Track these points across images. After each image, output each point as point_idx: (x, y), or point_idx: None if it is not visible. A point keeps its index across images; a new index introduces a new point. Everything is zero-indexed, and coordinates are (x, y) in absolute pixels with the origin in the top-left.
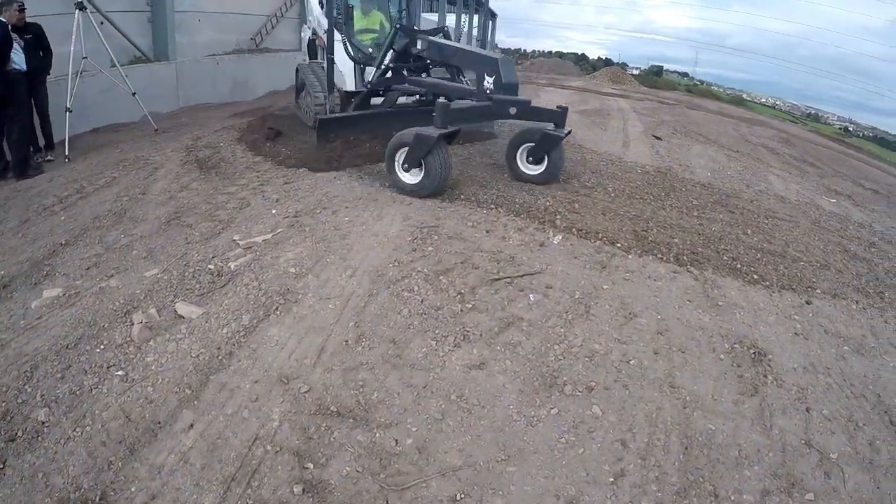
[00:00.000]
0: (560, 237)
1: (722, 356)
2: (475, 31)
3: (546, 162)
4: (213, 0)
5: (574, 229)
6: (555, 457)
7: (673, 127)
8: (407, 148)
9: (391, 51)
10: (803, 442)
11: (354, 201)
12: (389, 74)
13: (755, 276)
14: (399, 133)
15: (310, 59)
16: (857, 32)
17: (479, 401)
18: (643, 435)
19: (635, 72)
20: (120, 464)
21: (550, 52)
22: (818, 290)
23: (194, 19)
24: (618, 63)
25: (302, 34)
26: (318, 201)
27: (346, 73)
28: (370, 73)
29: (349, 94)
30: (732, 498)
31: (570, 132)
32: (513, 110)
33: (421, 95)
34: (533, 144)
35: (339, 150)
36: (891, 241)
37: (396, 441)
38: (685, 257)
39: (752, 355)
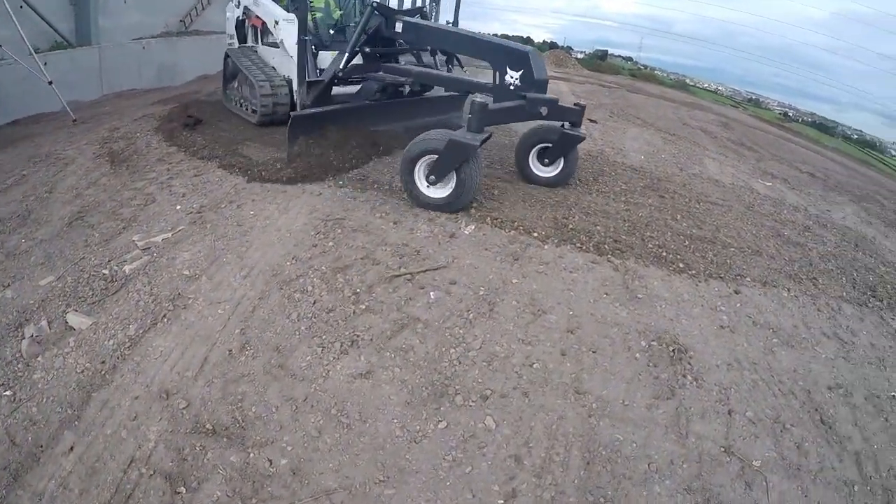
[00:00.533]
0: (472, 227)
1: (637, 355)
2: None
3: (562, 163)
4: None
5: (489, 218)
6: (439, 477)
7: (611, 110)
8: (436, 156)
9: (363, 34)
10: (723, 449)
11: (263, 193)
12: (359, 61)
13: (681, 265)
14: (421, 138)
15: (239, 42)
16: (802, 23)
17: (360, 415)
18: (540, 449)
19: (580, 56)
20: (4, 492)
21: (496, 35)
22: (748, 279)
23: (119, 1)
24: (563, 47)
25: (228, 13)
26: (225, 194)
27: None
28: (326, 58)
29: (309, 84)
30: None
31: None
32: (544, 110)
33: (398, 87)
34: (549, 145)
35: (304, 153)
36: (825, 225)
37: (270, 462)
38: (606, 246)
39: (672, 353)
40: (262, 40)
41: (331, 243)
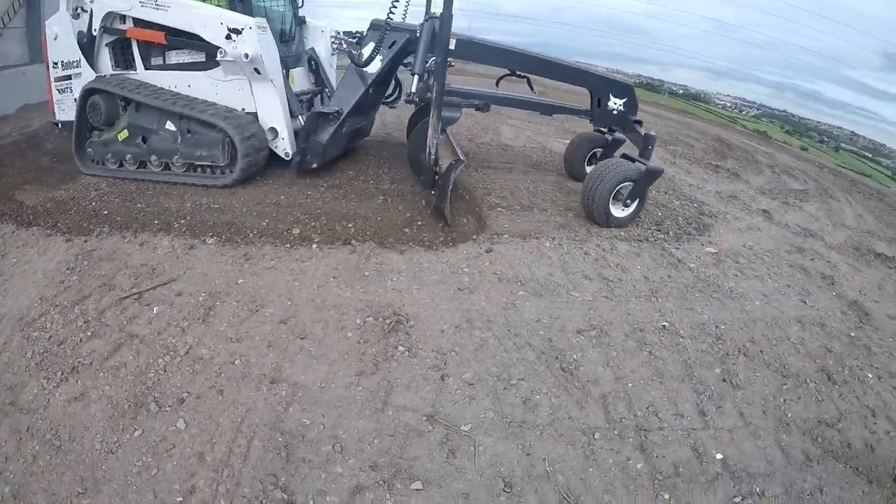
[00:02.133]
0: (214, 238)
1: (350, 334)
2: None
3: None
4: None
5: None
6: (128, 483)
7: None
8: (633, 183)
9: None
10: (425, 418)
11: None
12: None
13: (426, 237)
14: (618, 163)
15: (89, 62)
16: None
17: (70, 435)
18: (223, 444)
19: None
20: None
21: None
22: (505, 235)
23: None
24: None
25: (55, 31)
26: None
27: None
28: (301, 76)
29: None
30: (312, 502)
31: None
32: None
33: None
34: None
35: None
36: None
37: None
38: (352, 228)
39: (389, 325)
40: (147, 63)
41: (75, 277)
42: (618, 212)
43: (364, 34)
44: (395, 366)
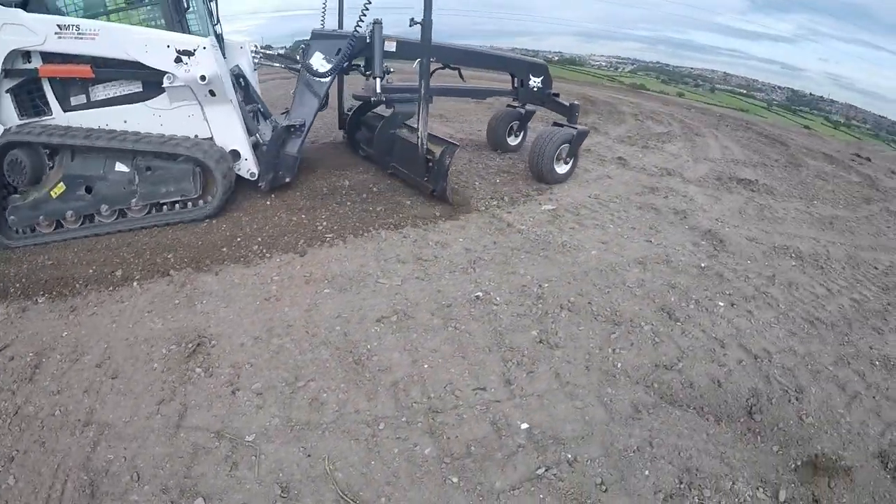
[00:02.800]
0: (45, 296)
1: (156, 364)
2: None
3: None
4: None
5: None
6: None
7: (271, 103)
8: (569, 144)
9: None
10: (213, 435)
11: None
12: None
13: (242, 253)
14: (554, 131)
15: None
16: None
17: None
18: (44, 491)
19: (281, 51)
20: None
21: None
22: (329, 235)
23: None
24: (263, 46)
25: None
26: None
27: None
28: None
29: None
30: None
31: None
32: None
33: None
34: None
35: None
36: None
37: None
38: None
39: (190, 350)
40: (66, 104)
41: None
42: (560, 169)
43: (305, 45)
44: (191, 388)
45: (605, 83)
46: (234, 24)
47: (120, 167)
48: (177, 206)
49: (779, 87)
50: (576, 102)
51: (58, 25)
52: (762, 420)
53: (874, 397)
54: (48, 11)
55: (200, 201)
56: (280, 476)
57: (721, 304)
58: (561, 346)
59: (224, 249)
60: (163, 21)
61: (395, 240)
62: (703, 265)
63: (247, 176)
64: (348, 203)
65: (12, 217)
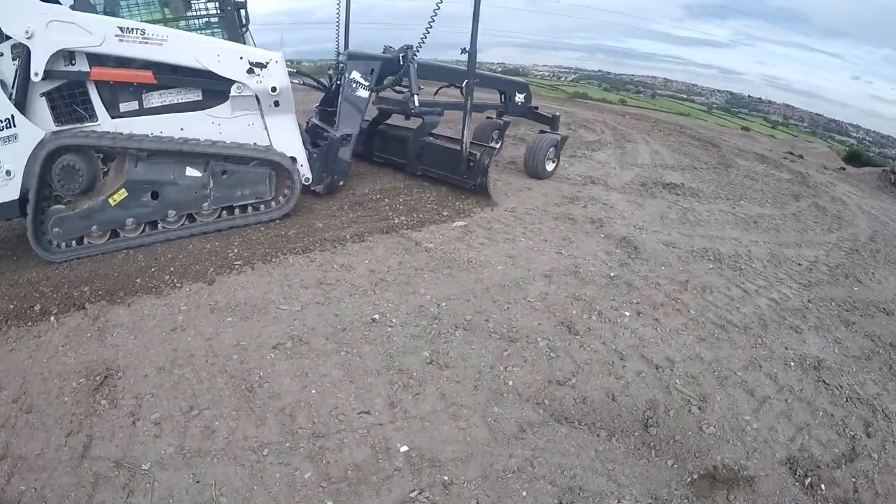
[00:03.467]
0: None
1: (67, 398)
2: None
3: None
4: None
5: None
6: None
7: None
8: (555, 147)
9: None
10: (113, 465)
11: None
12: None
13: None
14: (544, 137)
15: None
16: None
17: None
18: None
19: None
20: None
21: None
22: (238, 262)
23: None
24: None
25: None
26: None
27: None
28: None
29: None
30: None
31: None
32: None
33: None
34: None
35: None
36: None
37: None
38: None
39: (97, 382)
40: (115, 110)
41: None
42: (549, 167)
43: (342, 64)
44: (96, 420)
45: (547, 93)
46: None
47: (191, 172)
48: (249, 208)
49: (718, 91)
50: (556, 114)
51: (119, 28)
52: (658, 433)
53: (786, 400)
54: (96, 13)
55: (273, 203)
56: (171, 502)
57: (627, 313)
58: (451, 367)
59: (138, 280)
60: (225, 34)
61: (302, 264)
62: (612, 274)
63: (301, 181)
64: (262, 228)
65: (57, 229)
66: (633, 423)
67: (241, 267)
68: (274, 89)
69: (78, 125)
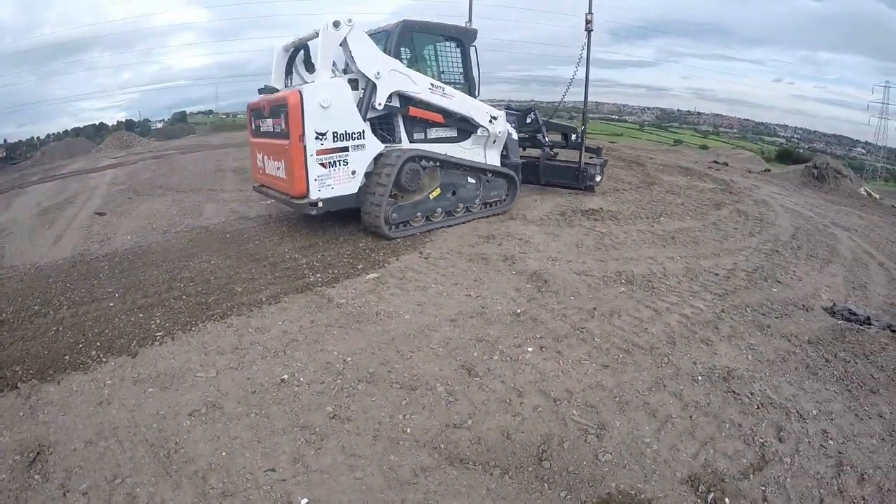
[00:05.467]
0: None
1: (4, 475)
2: None
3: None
4: None
5: None
6: None
7: (135, 189)
8: (601, 166)
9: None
10: None
11: None
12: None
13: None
14: (593, 160)
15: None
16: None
17: None
18: None
19: (160, 125)
20: None
21: (67, 132)
22: (160, 333)
23: None
24: (140, 121)
25: (332, 95)
26: None
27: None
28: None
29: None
30: None
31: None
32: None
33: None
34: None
35: None
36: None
37: None
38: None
39: (30, 459)
40: (411, 137)
41: None
42: (598, 179)
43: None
44: (31, 494)
45: None
46: (104, 99)
47: (470, 179)
48: (493, 205)
49: (648, 109)
50: (600, 146)
51: (431, 83)
52: (552, 466)
53: (691, 416)
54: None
55: (504, 202)
56: None
57: (529, 349)
58: (352, 420)
59: (66, 357)
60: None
61: (220, 330)
62: (518, 311)
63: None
64: (184, 297)
65: (395, 215)
66: (528, 458)
67: (163, 338)
68: (500, 133)
69: (391, 144)
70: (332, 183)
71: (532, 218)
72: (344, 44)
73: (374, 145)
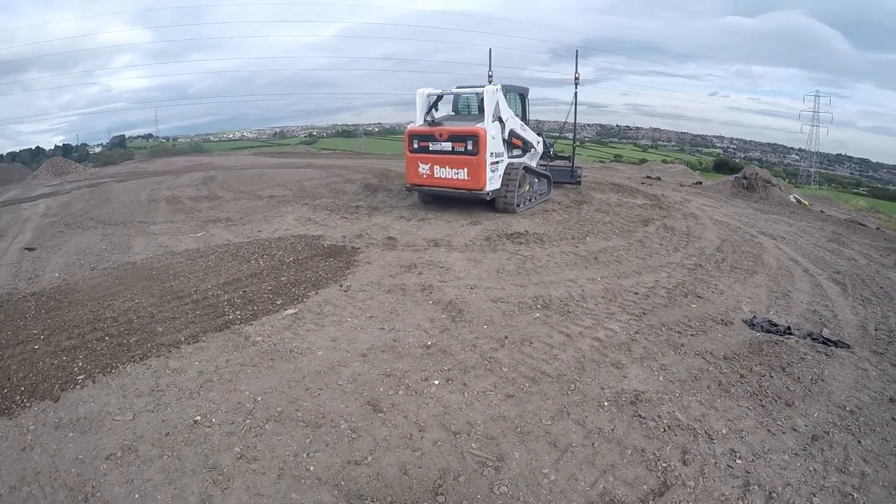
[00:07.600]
0: None
1: None
2: None
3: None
4: None
5: None
6: None
7: (67, 222)
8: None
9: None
10: None
11: None
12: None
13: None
14: (560, 167)
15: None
16: (307, 52)
17: None
18: None
19: (97, 150)
20: None
21: (3, 157)
22: (81, 376)
23: None
24: (77, 145)
25: (491, 132)
26: None
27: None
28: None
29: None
30: None
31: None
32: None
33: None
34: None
35: None
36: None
37: None
38: None
39: None
40: (509, 154)
41: None
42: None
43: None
44: None
45: None
46: (42, 123)
47: (535, 179)
48: (543, 195)
49: (588, 125)
50: (569, 156)
51: (521, 123)
52: (446, 501)
53: (593, 444)
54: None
55: (546, 192)
56: None
57: (436, 382)
58: (258, 459)
59: (17, 398)
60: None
61: (139, 372)
62: (429, 343)
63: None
64: (106, 339)
65: (517, 201)
66: (423, 493)
67: (84, 381)
68: (540, 150)
69: (508, 160)
70: (494, 181)
71: (457, 244)
72: (497, 98)
73: (505, 160)
